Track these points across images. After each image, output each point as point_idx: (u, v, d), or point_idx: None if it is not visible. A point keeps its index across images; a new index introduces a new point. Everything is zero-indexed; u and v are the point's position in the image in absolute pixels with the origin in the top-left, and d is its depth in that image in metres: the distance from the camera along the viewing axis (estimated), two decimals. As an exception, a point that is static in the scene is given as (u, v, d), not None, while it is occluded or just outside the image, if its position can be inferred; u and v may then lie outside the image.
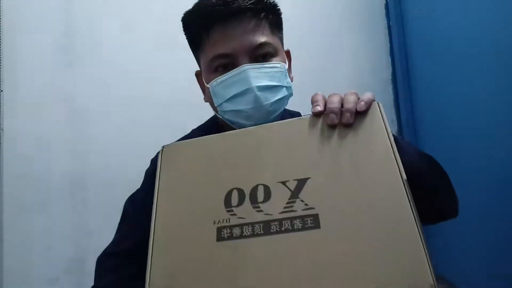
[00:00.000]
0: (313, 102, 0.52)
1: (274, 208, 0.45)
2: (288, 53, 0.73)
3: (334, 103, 0.50)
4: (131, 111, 1.40)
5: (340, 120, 0.49)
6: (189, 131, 0.78)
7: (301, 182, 0.46)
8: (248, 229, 0.44)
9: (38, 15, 1.35)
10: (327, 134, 0.48)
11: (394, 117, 1.78)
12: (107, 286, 0.64)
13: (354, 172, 0.45)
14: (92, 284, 0.65)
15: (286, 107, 0.70)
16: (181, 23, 0.71)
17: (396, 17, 1.80)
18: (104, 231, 0.77)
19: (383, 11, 1.87)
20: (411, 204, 0.41)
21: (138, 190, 0.74)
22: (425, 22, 1.63)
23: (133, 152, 1.34)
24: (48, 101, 1.32)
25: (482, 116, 1.30)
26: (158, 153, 0.56)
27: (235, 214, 0.46)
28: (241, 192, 0.47)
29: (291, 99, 0.69)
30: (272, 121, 0.61)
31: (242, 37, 0.64)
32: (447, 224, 0.63)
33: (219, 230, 0.45)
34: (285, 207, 0.45)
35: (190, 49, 0.73)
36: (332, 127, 0.49)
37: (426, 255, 0.38)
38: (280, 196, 0.46)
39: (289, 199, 0.45)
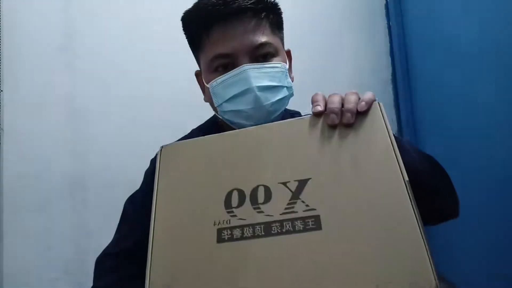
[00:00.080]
0: (314, 102, 0.52)
1: (275, 209, 0.45)
2: (288, 53, 0.73)
3: (335, 103, 0.50)
4: (131, 111, 1.40)
5: (340, 120, 0.49)
6: (189, 131, 0.78)
7: (302, 183, 0.45)
8: (248, 231, 0.44)
9: (38, 15, 1.35)
10: (327, 134, 0.48)
11: (394, 117, 1.77)
12: (107, 286, 0.64)
13: (355, 172, 0.45)
14: (92, 284, 0.65)
15: (286, 107, 0.69)
16: (180, 22, 0.71)
17: (396, 17, 1.80)
18: (104, 231, 0.77)
19: (383, 11, 1.87)
20: (413, 203, 0.41)
21: (138, 190, 0.74)
22: (425, 22, 1.63)
23: (133, 152, 1.34)
24: (48, 101, 1.32)
25: (482, 116, 1.30)
26: (157, 153, 0.56)
27: (235, 215, 0.45)
28: (241, 193, 0.47)
29: (291, 99, 0.69)
30: (272, 121, 0.61)
31: (243, 37, 0.63)
32: (447, 224, 0.63)
33: (220, 231, 0.45)
34: (286, 208, 0.44)
35: (190, 49, 0.73)
36: (333, 127, 0.49)
37: (428, 255, 0.38)
38: (280, 197, 0.45)
39: (290, 200, 0.45)
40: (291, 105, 0.72)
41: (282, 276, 0.40)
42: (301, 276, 0.40)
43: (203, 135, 0.56)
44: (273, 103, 0.63)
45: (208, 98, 0.70)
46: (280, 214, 0.44)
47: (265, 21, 0.66)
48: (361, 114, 0.49)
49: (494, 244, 1.25)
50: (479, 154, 1.31)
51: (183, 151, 0.54)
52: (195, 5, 0.68)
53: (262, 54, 0.65)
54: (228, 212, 0.46)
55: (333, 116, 0.49)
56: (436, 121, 1.59)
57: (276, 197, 0.46)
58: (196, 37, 0.68)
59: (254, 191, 0.47)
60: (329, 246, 0.41)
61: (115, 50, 1.42)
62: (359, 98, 0.50)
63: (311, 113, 0.51)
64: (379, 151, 0.45)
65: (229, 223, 0.45)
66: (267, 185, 0.47)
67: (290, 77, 0.69)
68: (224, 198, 0.47)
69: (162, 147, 0.55)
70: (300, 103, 0.75)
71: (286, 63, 0.68)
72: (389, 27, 1.85)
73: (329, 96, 0.52)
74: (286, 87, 0.66)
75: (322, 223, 0.42)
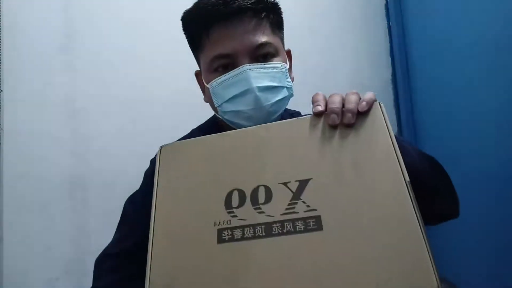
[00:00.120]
0: (314, 102, 0.52)
1: (276, 209, 0.45)
2: (289, 53, 0.73)
3: (335, 103, 0.50)
4: (131, 111, 1.40)
5: (341, 120, 0.48)
6: (189, 131, 0.78)
7: (303, 183, 0.45)
8: (249, 231, 0.44)
9: (38, 15, 1.34)
10: (328, 135, 0.48)
11: (394, 117, 1.77)
12: (107, 286, 0.64)
13: (356, 172, 0.44)
14: (92, 284, 0.65)
15: (286, 107, 0.69)
16: (180, 22, 0.70)
17: (396, 17, 1.81)
18: (104, 231, 0.77)
19: (383, 11, 1.87)
20: (414, 204, 0.41)
21: (137, 191, 0.74)
22: (425, 22, 1.63)
23: (133, 152, 1.34)
24: (48, 101, 1.32)
25: (482, 116, 1.30)
26: (156, 153, 0.56)
27: (236, 216, 0.45)
28: (241, 193, 0.47)
29: (291, 99, 0.69)
30: (272, 122, 0.61)
31: (243, 37, 0.63)
32: (447, 225, 0.63)
33: (220, 232, 0.45)
34: (286, 209, 0.44)
35: (190, 49, 0.73)
36: (333, 127, 0.48)
37: (429, 255, 0.38)
38: (281, 198, 0.45)
39: (290, 201, 0.45)
40: (291, 105, 0.72)
41: (283, 276, 0.40)
42: (302, 276, 0.40)
43: (203, 135, 0.56)
44: (273, 104, 0.63)
45: (208, 98, 0.69)
46: (281, 215, 0.44)
47: (265, 21, 0.66)
48: (361, 114, 0.48)
49: (494, 245, 1.25)
50: (479, 154, 1.31)
51: (183, 151, 0.54)
52: (195, 5, 0.67)
53: (262, 54, 0.65)
54: (229, 213, 0.46)
55: (333, 116, 0.48)
56: (436, 121, 1.59)
57: (277, 198, 0.45)
58: (196, 37, 0.68)
59: (255, 192, 0.46)
60: (330, 246, 0.41)
61: (115, 50, 1.41)
62: (360, 98, 0.50)
63: (311, 113, 0.51)
64: (380, 151, 0.45)
65: (230, 223, 0.45)
66: (267, 185, 0.47)
67: (290, 77, 0.69)
68: (224, 198, 0.47)
69: (161, 146, 0.55)
70: (300, 103, 0.75)
71: (286, 63, 0.68)
72: (389, 27, 1.85)
73: (330, 96, 0.52)
74: (286, 87, 0.66)
75: (323, 224, 0.42)
